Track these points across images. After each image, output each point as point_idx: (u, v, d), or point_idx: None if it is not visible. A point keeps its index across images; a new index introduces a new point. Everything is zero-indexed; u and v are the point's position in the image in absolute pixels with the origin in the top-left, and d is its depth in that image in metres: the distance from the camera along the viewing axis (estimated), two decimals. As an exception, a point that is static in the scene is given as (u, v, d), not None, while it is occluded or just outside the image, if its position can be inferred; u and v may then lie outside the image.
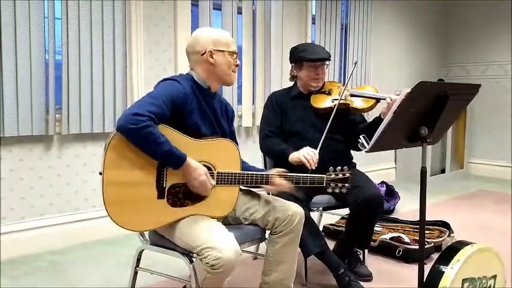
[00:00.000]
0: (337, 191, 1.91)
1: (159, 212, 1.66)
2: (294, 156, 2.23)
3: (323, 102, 2.42)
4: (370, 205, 2.25)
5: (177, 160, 1.63)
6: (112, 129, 1.86)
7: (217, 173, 1.73)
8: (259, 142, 2.48)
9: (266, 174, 1.81)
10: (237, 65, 1.85)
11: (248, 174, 1.78)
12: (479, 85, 1.71)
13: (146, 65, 3.28)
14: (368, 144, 1.70)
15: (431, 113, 1.61)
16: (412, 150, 1.80)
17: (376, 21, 4.99)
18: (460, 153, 5.94)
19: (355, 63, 2.63)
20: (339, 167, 1.92)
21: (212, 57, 1.79)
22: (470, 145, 5.96)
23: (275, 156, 2.43)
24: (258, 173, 1.80)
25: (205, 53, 1.78)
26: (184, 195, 1.70)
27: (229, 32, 3.67)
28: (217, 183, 1.73)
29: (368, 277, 2.41)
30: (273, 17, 3.99)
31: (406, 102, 1.52)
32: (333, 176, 1.90)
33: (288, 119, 2.44)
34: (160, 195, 1.66)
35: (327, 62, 2.45)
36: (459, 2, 5.94)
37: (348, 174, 1.90)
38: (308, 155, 2.18)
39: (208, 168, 1.72)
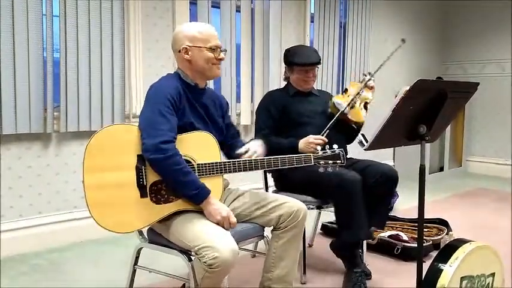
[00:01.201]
0: (330, 169, 1.88)
1: (145, 211, 1.66)
2: (303, 143, 2.31)
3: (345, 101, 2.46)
4: (389, 179, 2.32)
5: (199, 193, 1.65)
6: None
7: (198, 164, 1.73)
8: (255, 136, 2.45)
9: (249, 160, 1.80)
10: (219, 59, 1.83)
11: (230, 162, 1.78)
12: (478, 83, 1.71)
13: (145, 63, 3.27)
14: (367, 142, 1.70)
15: (429, 111, 1.61)
16: (411, 148, 1.80)
17: (374, 20, 4.99)
18: (458, 151, 5.95)
19: (402, 40, 2.56)
20: (327, 146, 1.91)
21: (188, 54, 1.79)
22: (469, 143, 5.97)
23: (283, 150, 2.34)
24: (239, 160, 1.79)
25: (181, 50, 1.80)
26: (167, 191, 1.69)
27: (227, 30, 3.67)
28: (199, 175, 1.73)
29: (368, 276, 2.41)
30: (271, 16, 3.99)
31: (405, 101, 1.52)
32: (321, 153, 1.88)
33: (292, 111, 2.48)
34: (143, 194, 1.66)
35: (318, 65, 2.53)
36: (457, 0, 5.94)
37: (338, 151, 1.87)
38: (316, 139, 2.28)
39: (188, 162, 1.72)
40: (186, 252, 1.70)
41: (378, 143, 1.65)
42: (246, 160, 1.80)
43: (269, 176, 2.61)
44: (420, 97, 1.56)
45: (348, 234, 2.24)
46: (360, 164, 2.42)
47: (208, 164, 1.74)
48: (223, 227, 1.66)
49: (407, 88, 1.51)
